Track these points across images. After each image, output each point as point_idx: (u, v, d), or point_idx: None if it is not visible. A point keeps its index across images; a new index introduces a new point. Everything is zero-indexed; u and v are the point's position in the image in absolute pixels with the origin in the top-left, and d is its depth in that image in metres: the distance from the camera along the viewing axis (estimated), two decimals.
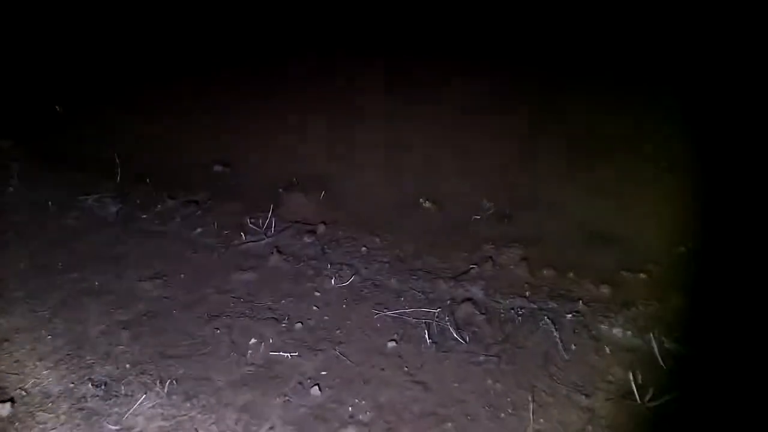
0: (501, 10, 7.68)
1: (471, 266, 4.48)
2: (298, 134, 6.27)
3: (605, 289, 4.21)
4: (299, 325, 3.94)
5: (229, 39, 8.31)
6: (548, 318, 3.95)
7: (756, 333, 3.70)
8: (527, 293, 4.22)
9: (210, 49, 8.15)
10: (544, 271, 4.41)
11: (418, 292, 4.25)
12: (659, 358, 3.60)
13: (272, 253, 4.65)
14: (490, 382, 3.52)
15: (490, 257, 4.56)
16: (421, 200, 5.20)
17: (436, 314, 4.02)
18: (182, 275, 4.43)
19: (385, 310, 4.07)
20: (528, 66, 7.02)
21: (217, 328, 3.93)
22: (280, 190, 5.43)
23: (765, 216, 4.42)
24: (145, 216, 5.17)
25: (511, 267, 4.48)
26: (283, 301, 4.16)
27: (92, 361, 3.66)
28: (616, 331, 3.86)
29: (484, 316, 3.99)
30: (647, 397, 3.32)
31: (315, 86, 7.13)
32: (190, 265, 4.55)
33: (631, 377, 3.41)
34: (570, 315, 3.97)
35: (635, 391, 3.36)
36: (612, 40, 6.94)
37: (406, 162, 5.75)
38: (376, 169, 5.68)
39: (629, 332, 3.85)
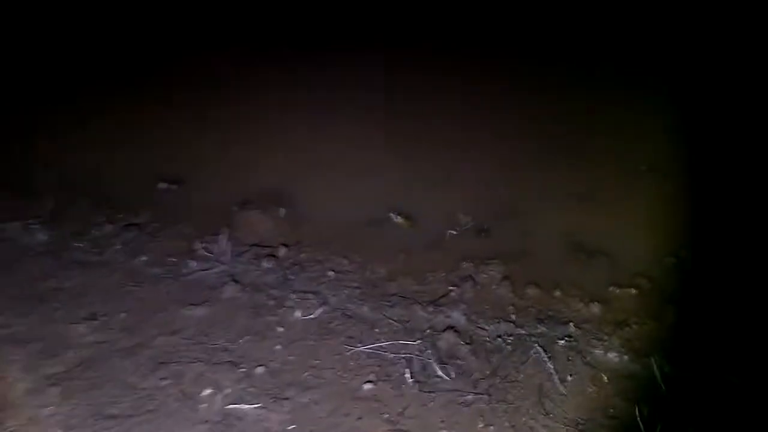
0: (468, 8, 7.31)
1: (450, 288, 4.08)
2: (254, 145, 5.73)
3: (595, 308, 3.88)
4: (261, 369, 3.44)
5: (171, 34, 7.66)
6: (539, 345, 3.58)
7: (759, 342, 3.44)
8: (513, 316, 3.85)
9: (150, 46, 7.49)
10: (528, 290, 4.05)
11: (395, 321, 3.81)
12: (662, 386, 3.27)
13: (227, 282, 4.12)
14: (481, 425, 3.11)
15: (470, 276, 4.17)
16: (391, 215, 4.77)
17: (417, 347, 3.59)
18: (123, 314, 3.86)
19: (358, 345, 3.61)
20: (503, 68, 6.67)
21: (165, 378, 3.39)
22: (235, 208, 4.90)
23: (758, 219, 4.18)
24: (79, 244, 4.55)
25: (493, 287, 4.10)
26: (241, 341, 3.65)
27: (13, 430, 3.06)
28: (612, 356, 3.52)
29: (468, 347, 3.59)
30: None
31: (271, 93, 6.59)
32: (132, 301, 3.98)
33: (636, 411, 3.06)
34: (562, 341, 3.61)
35: (641, 427, 3.01)
36: (593, 40, 6.68)
37: (375, 174, 5.30)
38: (341, 181, 5.21)
39: (626, 356, 3.52)
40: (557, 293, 4.02)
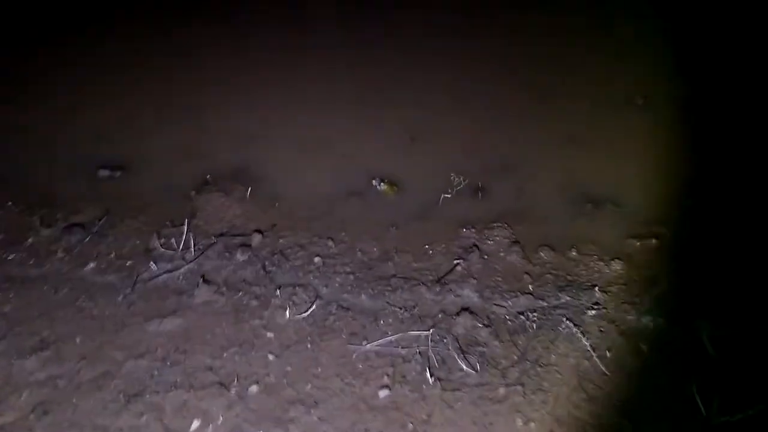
0: None
1: (455, 261, 3.60)
2: (205, 117, 4.98)
3: (617, 266, 3.50)
4: (255, 387, 2.94)
5: None
6: (566, 318, 3.18)
7: None
8: (530, 287, 3.43)
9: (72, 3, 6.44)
10: (541, 253, 3.63)
11: (400, 308, 3.33)
12: (710, 349, 2.93)
13: (198, 284, 3.53)
14: (521, 423, 2.72)
15: (475, 245, 3.70)
16: (374, 183, 4.20)
17: (431, 336, 3.13)
18: (78, 338, 3.24)
19: (364, 343, 3.14)
20: (470, 15, 6.00)
21: (142, 413, 2.84)
22: (193, 193, 4.22)
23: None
24: (11, 256, 3.82)
25: (502, 254, 3.65)
26: (225, 355, 3.11)
27: None
28: (647, 321, 3.17)
29: (488, 329, 3.16)
30: (715, 412, 2.64)
31: (221, 55, 5.76)
32: (86, 321, 3.35)
33: (695, 390, 2.71)
34: (591, 310, 3.22)
35: (700, 405, 2.68)
36: None
37: (348, 138, 4.67)
38: (311, 151, 4.58)
39: (661, 319, 3.15)
40: (573, 253, 3.61)
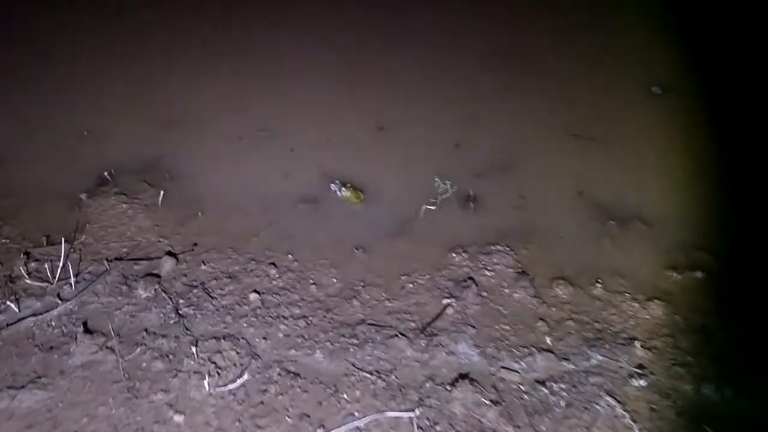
0: None
1: (445, 301, 2.64)
2: (109, 91, 3.79)
3: (657, 309, 2.64)
4: None
5: None
6: (604, 390, 2.27)
7: None
8: (548, 339, 2.51)
9: None
10: (557, 289, 2.71)
11: (371, 373, 2.35)
12: None
13: (77, 335, 2.42)
14: None
15: (470, 278, 2.75)
16: (333, 187, 3.17)
17: (416, 421, 2.15)
18: None
19: (320, 431, 2.12)
20: None
21: None
22: (84, 196, 3.08)
23: None
24: None
25: (506, 290, 2.71)
26: None
27: None
28: (710, 393, 2.29)
29: (497, 408, 2.21)
30: None
31: (125, 22, 4.52)
32: None
33: None
34: (635, 378, 2.33)
35: None
36: None
37: (298, 123, 3.61)
38: (249, 139, 3.49)
39: (727, 390, 2.30)
40: (598, 289, 2.72)
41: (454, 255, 2.86)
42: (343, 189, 3.15)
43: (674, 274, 2.79)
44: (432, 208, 3.04)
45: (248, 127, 3.55)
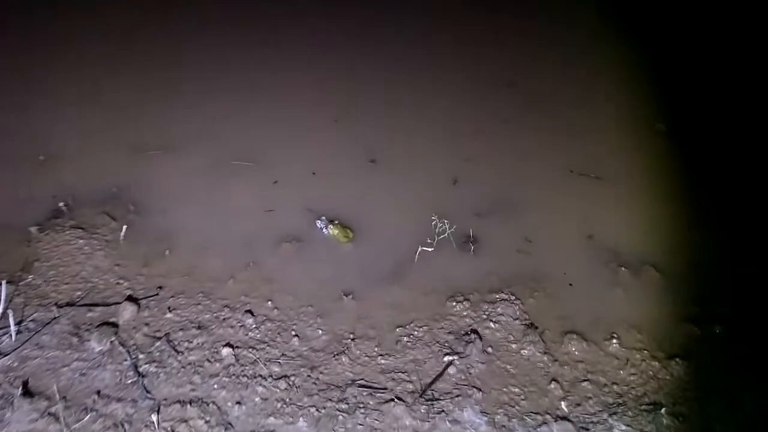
0: None
1: (447, 358, 2.33)
2: (63, 113, 3.44)
3: (680, 367, 2.40)
4: None
5: None
6: None
7: None
8: (563, 405, 2.21)
9: None
10: (570, 345, 2.45)
11: None
12: None
13: (14, 398, 2.03)
14: None
15: (473, 331, 2.44)
16: (318, 224, 2.86)
17: None
18: None
19: None
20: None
21: None
22: (33, 229, 2.71)
23: None
24: None
25: (514, 346, 2.43)
26: None
27: None
28: None
29: None
30: None
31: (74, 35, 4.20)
32: None
33: None
34: None
35: None
36: None
37: (280, 152, 3.31)
38: (226, 168, 3.17)
39: None
40: (613, 345, 2.46)
41: (455, 304, 2.56)
42: (330, 226, 2.84)
43: (693, 328, 2.54)
44: (429, 249, 2.74)
45: (225, 155, 3.22)
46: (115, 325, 2.34)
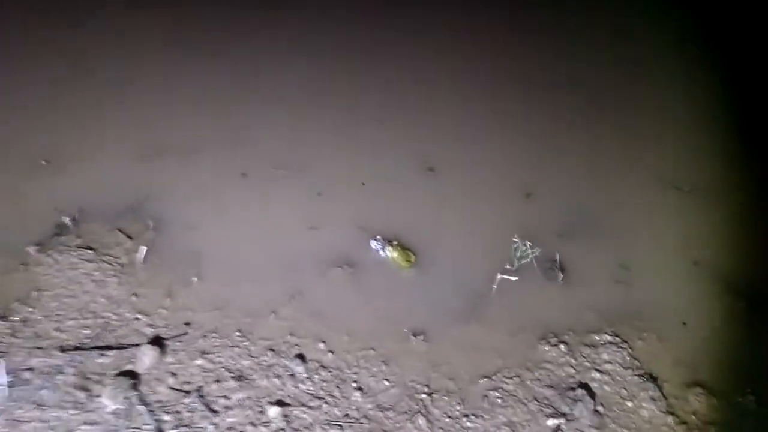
0: None
1: (550, 422, 1.85)
2: (69, 111, 2.97)
3: None
4: None
5: None
6: None
7: None
8: None
9: None
10: (696, 401, 2.01)
11: None
12: None
13: None
14: None
15: (580, 385, 1.96)
16: (373, 245, 2.39)
17: None
18: None
19: None
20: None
21: None
22: (31, 249, 2.24)
23: None
24: None
25: (629, 403, 1.98)
26: None
27: None
28: None
29: None
30: None
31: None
32: None
33: None
34: None
35: None
36: None
37: (328, 160, 2.83)
38: (264, 178, 2.69)
39: None
40: (751, 402, 1.95)
41: (548, 347, 2.09)
42: (388, 248, 2.36)
43: None
44: (510, 278, 2.25)
45: (259, 162, 2.75)
46: (133, 375, 1.86)
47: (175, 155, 2.73)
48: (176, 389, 1.85)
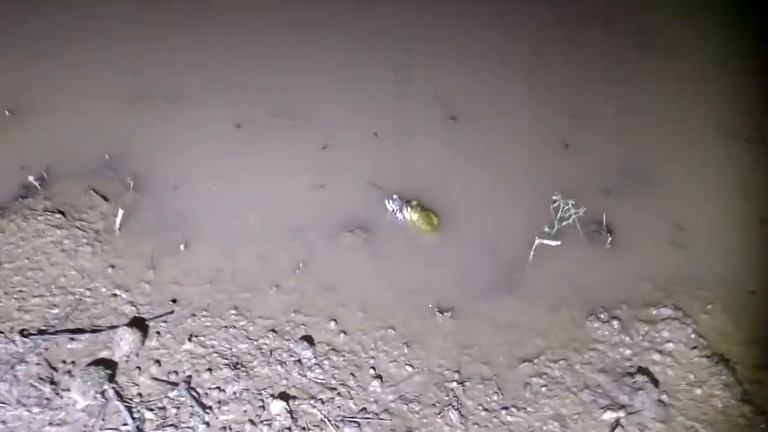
0: None
1: (607, 415, 1.55)
2: (37, 51, 2.60)
3: None
4: None
5: None
6: None
7: None
8: None
9: None
10: None
11: None
12: None
13: None
14: None
15: (640, 370, 1.66)
16: (391, 206, 2.06)
17: None
18: None
19: None
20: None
21: None
22: None
23: None
24: None
25: (698, 391, 1.68)
26: None
27: None
28: None
29: None
30: None
31: None
32: None
33: None
34: None
35: None
36: None
37: (331, 105, 2.47)
38: (255, 123, 2.34)
39: None
40: None
41: (597, 324, 1.77)
42: (407, 209, 2.02)
43: None
44: (550, 243, 1.91)
45: (256, 110, 2.39)
46: (108, 363, 1.56)
47: (161, 103, 2.38)
48: (160, 380, 1.55)
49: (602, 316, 1.80)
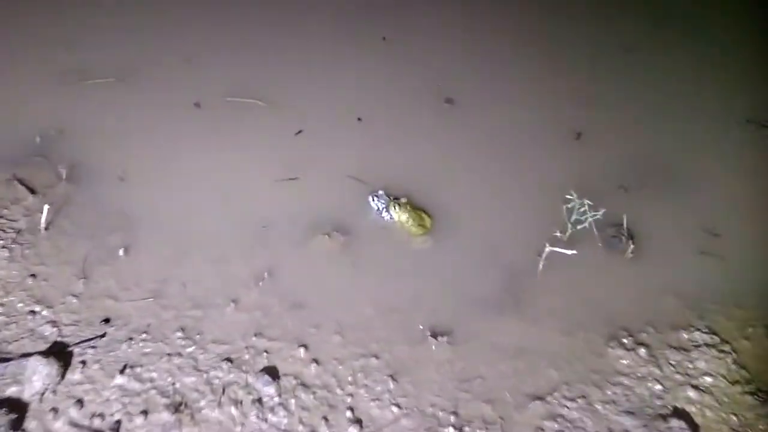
0: None
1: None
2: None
3: None
4: None
5: None
6: None
7: None
8: None
9: None
10: None
11: None
12: None
13: None
14: None
15: (674, 412, 1.36)
16: (375, 204, 1.74)
17: None
18: None
19: None
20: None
21: None
22: None
23: None
24: None
25: None
26: None
27: None
28: None
29: None
30: None
31: None
32: None
33: None
34: None
35: None
36: None
37: (305, 84, 2.13)
38: (214, 104, 1.99)
39: None
40: None
41: (620, 351, 1.49)
42: (394, 208, 1.70)
43: None
44: (562, 251, 1.60)
45: (218, 88, 2.05)
46: (16, 404, 1.23)
47: (102, 76, 2.02)
48: (81, 427, 1.22)
49: (626, 342, 1.51)
